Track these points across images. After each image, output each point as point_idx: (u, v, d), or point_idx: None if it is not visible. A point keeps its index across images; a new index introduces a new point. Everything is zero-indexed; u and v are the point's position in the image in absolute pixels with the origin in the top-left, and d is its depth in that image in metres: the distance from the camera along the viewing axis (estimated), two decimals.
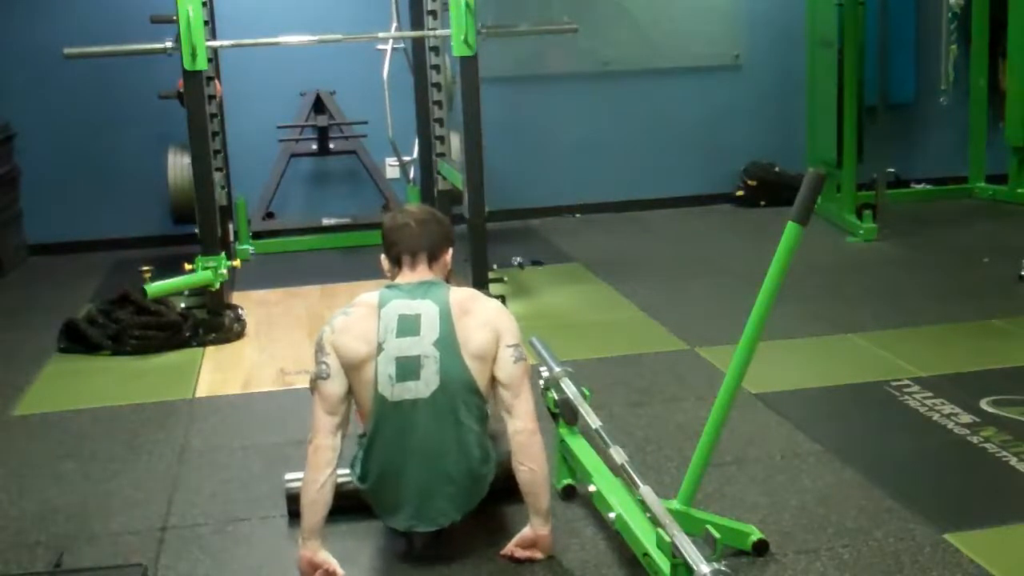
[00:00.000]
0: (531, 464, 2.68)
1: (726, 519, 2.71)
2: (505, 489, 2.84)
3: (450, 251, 2.87)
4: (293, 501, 2.87)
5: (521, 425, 2.69)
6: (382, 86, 6.12)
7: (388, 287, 2.77)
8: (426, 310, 2.69)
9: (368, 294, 2.76)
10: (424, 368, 2.65)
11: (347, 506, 2.82)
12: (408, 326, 2.67)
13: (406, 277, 2.79)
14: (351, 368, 2.68)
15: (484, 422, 2.76)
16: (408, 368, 2.65)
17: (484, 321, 2.72)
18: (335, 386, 2.67)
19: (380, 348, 2.65)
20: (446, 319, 2.68)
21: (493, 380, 2.73)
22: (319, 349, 2.70)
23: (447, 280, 2.86)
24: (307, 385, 2.76)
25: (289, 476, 3.01)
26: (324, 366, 2.67)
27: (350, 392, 2.71)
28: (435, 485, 2.71)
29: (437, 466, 2.69)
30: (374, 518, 2.86)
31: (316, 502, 2.62)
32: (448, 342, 2.67)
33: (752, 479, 3.14)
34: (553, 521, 2.74)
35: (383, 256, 2.86)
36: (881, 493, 3.00)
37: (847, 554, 2.68)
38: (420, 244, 2.79)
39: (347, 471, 2.78)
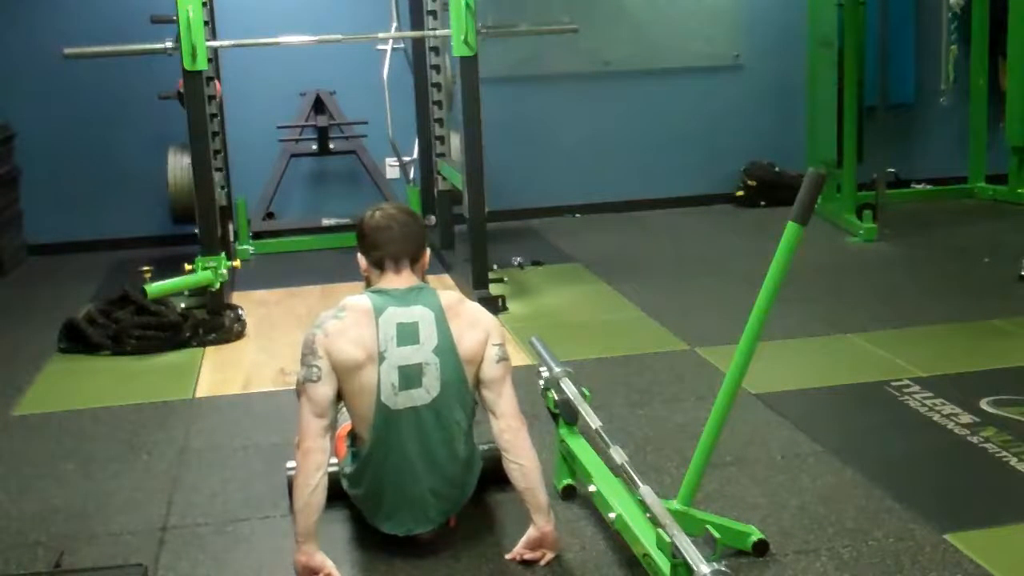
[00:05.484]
0: (521, 460, 2.69)
1: (726, 519, 2.71)
2: (495, 480, 2.91)
3: (428, 251, 2.87)
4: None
5: (505, 424, 2.71)
6: (382, 86, 6.12)
7: (376, 292, 2.74)
8: (423, 316, 2.70)
9: (356, 298, 2.74)
10: (426, 376, 2.68)
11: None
12: (408, 334, 2.68)
13: (391, 282, 2.76)
14: (345, 373, 2.67)
15: (472, 417, 2.81)
16: (411, 376, 2.67)
17: (473, 321, 2.76)
18: (325, 389, 2.66)
19: (382, 357, 2.65)
20: (442, 324, 2.70)
21: (477, 379, 2.77)
22: (309, 351, 2.67)
23: (424, 281, 2.87)
24: None
25: (291, 464, 3.00)
26: (315, 369, 2.66)
27: (339, 396, 2.70)
28: (432, 489, 2.74)
29: (435, 470, 2.73)
30: None
31: (309, 505, 2.61)
32: (446, 347, 2.70)
33: (752, 479, 3.14)
34: (553, 521, 2.74)
35: (360, 255, 2.82)
36: (881, 493, 3.00)
37: (847, 554, 2.68)
38: (405, 249, 2.77)
39: (335, 462, 2.83)
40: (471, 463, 2.82)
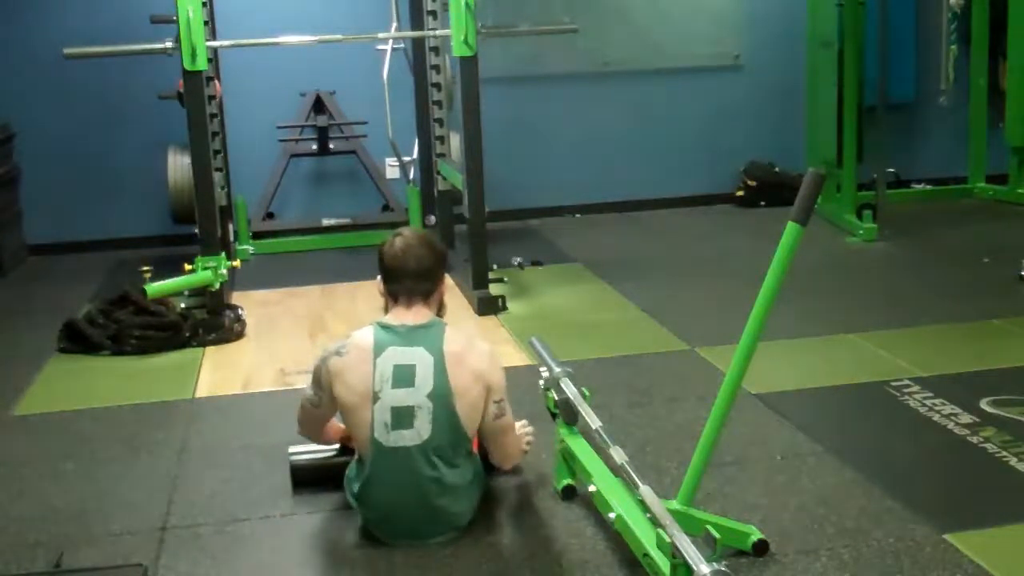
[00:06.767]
0: (505, 468, 3.08)
1: (726, 519, 2.71)
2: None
3: (443, 284, 2.92)
4: (298, 472, 3.15)
5: (498, 464, 3.03)
6: (382, 86, 6.12)
7: (383, 326, 2.80)
8: (420, 359, 2.74)
9: (363, 333, 2.80)
10: (417, 418, 2.73)
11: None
12: (403, 376, 2.73)
13: (401, 315, 2.82)
14: (345, 410, 2.80)
15: (467, 452, 2.85)
16: (402, 417, 2.72)
17: (477, 374, 2.78)
18: (322, 414, 2.94)
19: (376, 397, 2.72)
20: (440, 371, 2.74)
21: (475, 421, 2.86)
22: (316, 380, 2.84)
23: (440, 310, 2.92)
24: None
25: (293, 450, 3.20)
26: (318, 397, 2.85)
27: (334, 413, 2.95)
28: (424, 520, 2.79)
29: (425, 504, 2.76)
30: None
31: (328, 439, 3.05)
32: (442, 393, 2.74)
33: (752, 479, 3.14)
34: (553, 521, 2.74)
35: (380, 279, 2.88)
36: (881, 493, 3.00)
37: (847, 554, 2.68)
38: (416, 287, 2.82)
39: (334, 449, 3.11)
40: (465, 491, 2.84)
